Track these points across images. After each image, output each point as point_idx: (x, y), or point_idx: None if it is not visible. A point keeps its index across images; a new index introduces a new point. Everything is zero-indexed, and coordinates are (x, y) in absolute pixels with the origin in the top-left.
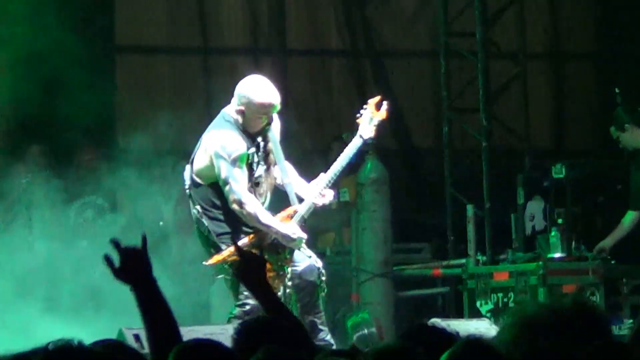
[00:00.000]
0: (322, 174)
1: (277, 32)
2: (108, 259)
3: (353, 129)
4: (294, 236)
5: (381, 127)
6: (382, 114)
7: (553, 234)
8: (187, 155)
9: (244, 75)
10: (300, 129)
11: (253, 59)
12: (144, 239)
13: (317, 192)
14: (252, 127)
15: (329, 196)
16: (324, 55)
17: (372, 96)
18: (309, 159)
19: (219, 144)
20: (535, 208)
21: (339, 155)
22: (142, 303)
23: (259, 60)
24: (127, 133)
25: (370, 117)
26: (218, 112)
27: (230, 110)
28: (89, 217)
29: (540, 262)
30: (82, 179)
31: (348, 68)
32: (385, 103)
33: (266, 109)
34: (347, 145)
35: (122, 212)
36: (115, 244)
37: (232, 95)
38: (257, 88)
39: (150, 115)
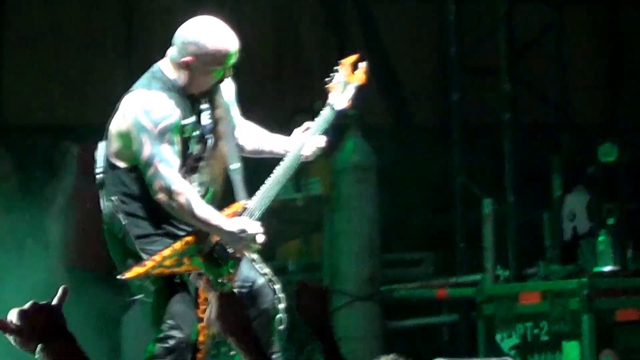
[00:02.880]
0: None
1: None
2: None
3: (325, 96)
4: (244, 234)
5: (362, 95)
6: (360, 77)
7: (602, 238)
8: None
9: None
10: (254, 95)
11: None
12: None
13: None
14: (197, 86)
15: (312, 147)
16: None
17: (354, 53)
18: None
19: (141, 109)
20: (576, 203)
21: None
22: None
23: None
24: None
25: (345, 82)
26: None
27: (166, 66)
28: None
29: (585, 279)
30: None
31: (322, 15)
32: (363, 64)
33: (222, 58)
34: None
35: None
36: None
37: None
38: (210, 30)
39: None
